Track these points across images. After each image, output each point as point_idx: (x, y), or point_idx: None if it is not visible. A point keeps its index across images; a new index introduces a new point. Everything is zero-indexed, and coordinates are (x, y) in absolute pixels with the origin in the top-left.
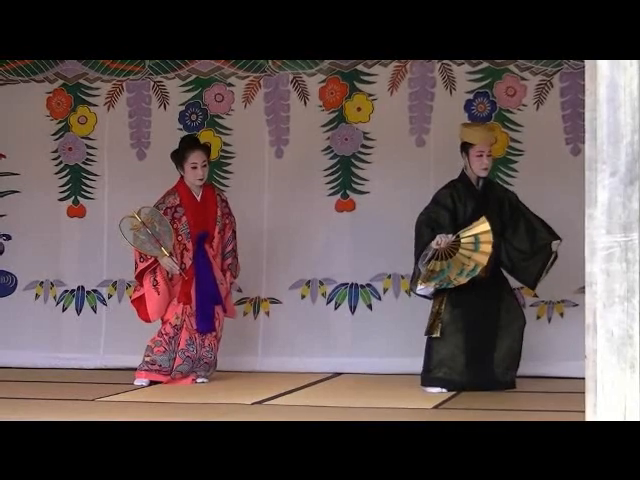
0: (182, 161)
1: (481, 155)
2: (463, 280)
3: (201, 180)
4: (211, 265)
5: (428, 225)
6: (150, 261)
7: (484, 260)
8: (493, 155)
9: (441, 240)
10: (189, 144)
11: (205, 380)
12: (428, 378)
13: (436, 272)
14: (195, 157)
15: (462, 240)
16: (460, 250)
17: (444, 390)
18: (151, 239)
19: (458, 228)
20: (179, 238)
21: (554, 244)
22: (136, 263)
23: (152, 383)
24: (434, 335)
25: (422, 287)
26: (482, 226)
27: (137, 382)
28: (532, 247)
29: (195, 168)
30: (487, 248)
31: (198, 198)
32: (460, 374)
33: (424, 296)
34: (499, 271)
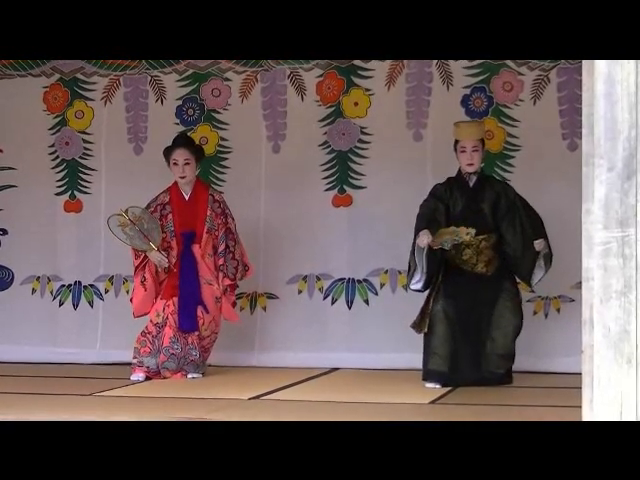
0: (167, 158)
1: (464, 151)
2: (470, 233)
3: (182, 178)
4: (196, 265)
5: (425, 216)
6: (141, 257)
7: (464, 229)
8: (490, 150)
9: (422, 242)
10: (174, 141)
11: (196, 376)
12: (424, 371)
13: (439, 242)
14: (176, 154)
15: (441, 232)
16: (445, 237)
17: (438, 385)
18: (139, 235)
19: (450, 222)
20: (163, 236)
21: (536, 243)
22: (134, 262)
23: (148, 378)
24: (422, 331)
25: (414, 282)
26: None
27: (133, 377)
28: (523, 245)
29: (176, 165)
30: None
31: (187, 197)
32: (447, 366)
33: (418, 290)
34: (503, 268)
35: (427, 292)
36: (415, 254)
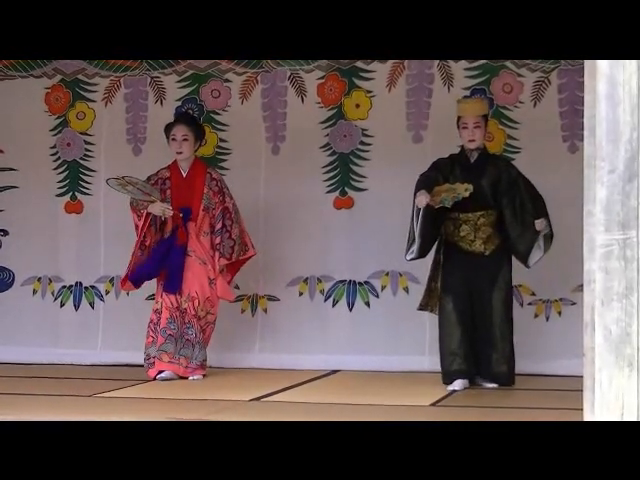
0: (167, 134)
1: (466, 127)
2: (469, 189)
3: (179, 154)
4: (187, 241)
5: (423, 183)
6: (144, 216)
7: (462, 185)
8: (491, 152)
9: (420, 202)
10: (175, 118)
11: (197, 377)
12: (448, 373)
13: (439, 199)
14: (175, 130)
15: (437, 190)
16: (443, 194)
17: (464, 385)
18: (139, 192)
19: None
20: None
21: (537, 222)
22: (136, 226)
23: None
24: (433, 311)
25: (410, 252)
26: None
27: (159, 377)
28: (522, 224)
29: (174, 140)
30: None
31: (184, 174)
32: (467, 364)
33: (413, 259)
34: (502, 249)
35: (428, 274)
36: (413, 218)
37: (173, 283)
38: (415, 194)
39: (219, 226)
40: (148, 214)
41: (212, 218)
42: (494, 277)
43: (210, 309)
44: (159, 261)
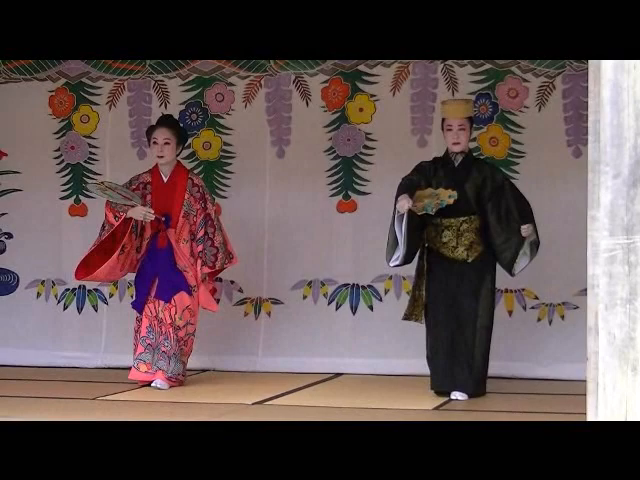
0: (149, 137)
1: (450, 129)
2: (453, 196)
3: (160, 157)
4: (169, 248)
5: (405, 187)
6: (122, 218)
7: (445, 191)
8: (495, 156)
9: (402, 207)
10: (157, 121)
11: (160, 386)
12: (436, 389)
13: (422, 205)
14: (157, 133)
15: (419, 195)
16: (425, 200)
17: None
18: (120, 196)
19: None
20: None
21: (523, 228)
22: (104, 224)
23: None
24: (419, 320)
25: (394, 259)
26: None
27: (153, 385)
28: (508, 230)
29: (156, 143)
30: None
31: (165, 179)
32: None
33: (397, 265)
34: (485, 257)
35: (413, 281)
36: (395, 224)
37: (165, 290)
38: (396, 198)
39: (201, 234)
40: (130, 219)
41: (192, 225)
42: (477, 286)
43: (190, 319)
44: (150, 276)
